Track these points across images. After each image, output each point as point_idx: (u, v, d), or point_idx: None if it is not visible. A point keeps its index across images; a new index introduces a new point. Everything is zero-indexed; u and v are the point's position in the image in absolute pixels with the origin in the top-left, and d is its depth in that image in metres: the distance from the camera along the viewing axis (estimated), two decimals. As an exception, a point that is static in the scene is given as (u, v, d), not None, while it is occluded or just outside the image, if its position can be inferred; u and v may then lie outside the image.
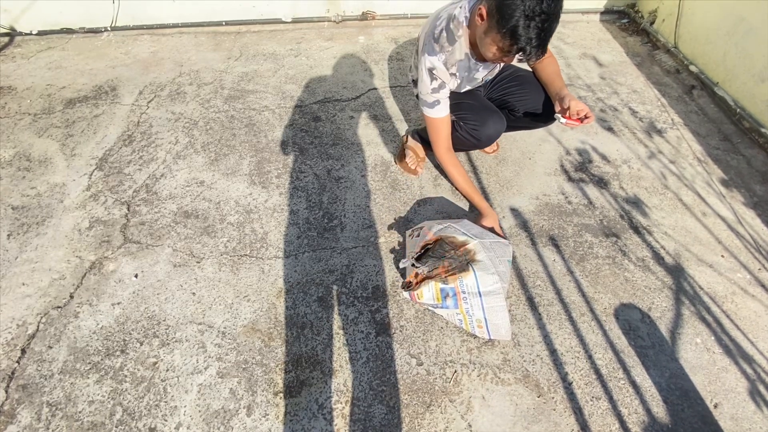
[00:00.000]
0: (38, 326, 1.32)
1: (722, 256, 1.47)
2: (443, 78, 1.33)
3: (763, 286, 1.39)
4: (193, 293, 1.39)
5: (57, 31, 2.84)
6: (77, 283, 1.43)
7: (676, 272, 1.42)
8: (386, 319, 1.31)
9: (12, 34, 2.85)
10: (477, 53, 1.30)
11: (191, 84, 2.36)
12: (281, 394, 1.15)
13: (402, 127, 2.03)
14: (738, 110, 1.98)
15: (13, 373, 1.22)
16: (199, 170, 1.83)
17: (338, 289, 1.39)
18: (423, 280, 1.24)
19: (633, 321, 1.30)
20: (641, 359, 1.21)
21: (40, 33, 2.85)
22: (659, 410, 1.11)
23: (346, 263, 1.47)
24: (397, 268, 1.45)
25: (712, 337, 1.26)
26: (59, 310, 1.36)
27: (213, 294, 1.39)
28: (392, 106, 2.15)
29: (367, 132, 2.00)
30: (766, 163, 1.81)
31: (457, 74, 1.37)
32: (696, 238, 1.53)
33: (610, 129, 2.00)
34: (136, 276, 1.44)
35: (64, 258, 1.51)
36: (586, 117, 1.26)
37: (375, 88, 2.27)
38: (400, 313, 1.33)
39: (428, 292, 1.20)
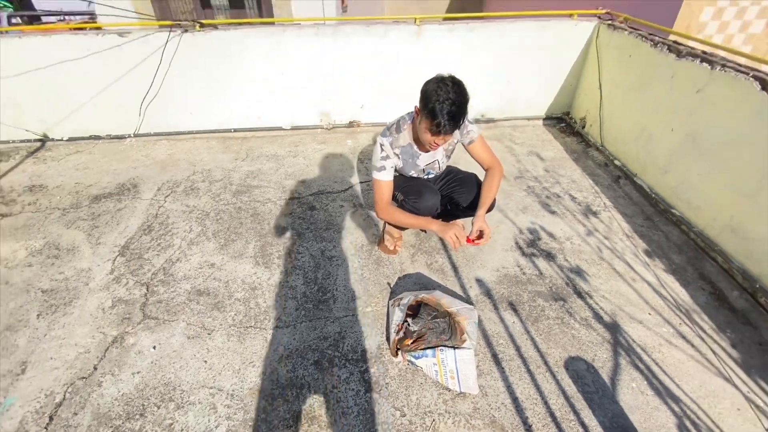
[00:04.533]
0: (65, 395, 1.48)
1: (649, 313, 1.79)
2: (388, 152, 1.77)
3: (684, 338, 1.68)
4: (205, 361, 1.60)
5: (85, 138, 3.31)
6: (101, 356, 1.62)
7: (613, 328, 1.72)
8: (373, 377, 1.53)
9: (44, 140, 3.31)
10: (418, 144, 1.77)
11: (203, 181, 2.76)
12: (283, 447, 1.32)
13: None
14: (653, 195, 2.46)
15: (39, 439, 1.36)
16: (210, 254, 2.13)
17: (331, 354, 1.62)
18: (416, 341, 1.50)
19: (580, 371, 1.55)
20: (588, 403, 1.44)
21: (71, 139, 3.32)
22: (605, 446, 1.32)
23: (339, 330, 1.71)
24: (386, 334, 1.70)
25: (645, 382, 1.51)
26: (84, 380, 1.53)
27: (222, 361, 1.60)
28: (372, 197, 2.56)
29: (355, 218, 2.37)
30: (680, 237, 2.23)
31: (400, 156, 1.82)
32: (628, 300, 1.85)
33: (554, 212, 2.43)
34: (154, 348, 1.65)
35: (89, 334, 1.71)
36: (480, 237, 1.68)
37: (361, 182, 2.71)
38: (386, 372, 1.55)
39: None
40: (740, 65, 1.96)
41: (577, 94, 3.39)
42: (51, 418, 1.41)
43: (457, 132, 1.81)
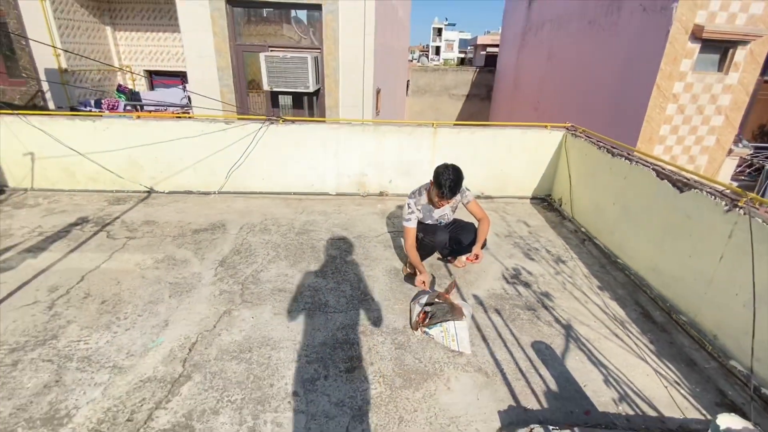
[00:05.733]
0: (197, 339, 2.26)
1: (594, 321, 2.53)
2: (413, 209, 2.73)
3: (616, 336, 2.40)
4: (287, 327, 2.37)
5: (181, 192, 4.41)
6: (217, 320, 2.41)
7: (567, 328, 2.45)
8: (400, 341, 2.28)
9: (150, 191, 4.41)
10: (431, 202, 2.75)
11: (273, 225, 3.73)
12: (344, 371, 2.04)
13: (402, 252, 3.27)
14: (606, 251, 3.31)
15: (185, 360, 2.11)
16: (284, 269, 2.99)
17: (372, 328, 2.38)
18: (427, 324, 2.29)
19: (541, 349, 2.27)
20: (544, 364, 2.15)
21: (170, 192, 4.41)
22: (554, 387, 2.01)
23: (377, 316, 2.49)
24: (409, 319, 2.47)
25: (585, 357, 2.22)
26: (208, 332, 2.31)
27: (298, 328, 2.37)
28: (399, 241, 3.47)
29: (385, 253, 3.26)
30: (624, 278, 3.02)
31: (421, 210, 2.79)
32: (580, 312, 2.61)
33: (533, 259, 3.28)
34: (252, 318, 2.44)
35: (207, 308, 2.52)
36: (476, 258, 2.59)
37: (389, 232, 3.64)
38: (408, 339, 2.30)
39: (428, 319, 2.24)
40: (647, 161, 2.98)
41: (555, 180, 4.45)
42: (190, 350, 2.18)
43: (458, 195, 2.78)
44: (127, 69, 7.61)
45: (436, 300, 2.40)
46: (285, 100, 6.06)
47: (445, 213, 2.90)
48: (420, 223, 2.85)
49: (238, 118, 4.32)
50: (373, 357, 2.16)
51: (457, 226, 2.96)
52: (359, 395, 1.92)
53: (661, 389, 2.04)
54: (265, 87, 5.42)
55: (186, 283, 2.79)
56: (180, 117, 4.78)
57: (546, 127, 4.32)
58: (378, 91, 6.35)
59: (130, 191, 4.40)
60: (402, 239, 3.04)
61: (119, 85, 7.36)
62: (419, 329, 2.30)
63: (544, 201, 4.55)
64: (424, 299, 2.46)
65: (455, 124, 4.32)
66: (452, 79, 16.91)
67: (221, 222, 3.75)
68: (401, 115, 13.28)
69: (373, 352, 2.20)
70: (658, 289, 2.70)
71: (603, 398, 1.97)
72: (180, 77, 7.66)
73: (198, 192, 4.42)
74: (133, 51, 7.75)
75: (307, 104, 6.07)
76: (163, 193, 4.41)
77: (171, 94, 7.15)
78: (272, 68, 5.21)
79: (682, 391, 2.03)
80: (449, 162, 2.65)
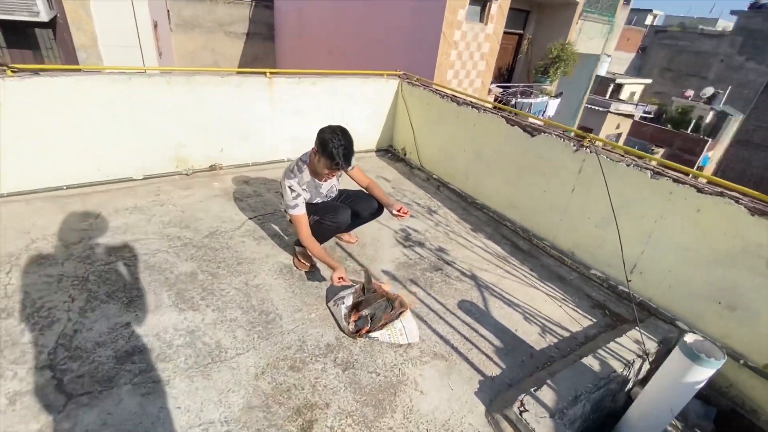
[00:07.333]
0: None
1: (488, 264, 2.75)
2: (298, 191, 2.19)
3: (509, 273, 2.69)
4: (178, 407, 1.57)
5: None
6: (32, 454, 1.36)
7: (474, 278, 2.58)
8: (344, 359, 1.86)
9: None
10: (317, 176, 2.26)
11: (54, 247, 2.35)
12: (299, 434, 1.52)
13: (284, 242, 2.69)
14: (463, 194, 3.62)
15: None
16: (117, 316, 1.94)
17: (300, 356, 1.85)
18: (371, 330, 1.92)
19: (467, 307, 2.31)
20: (479, 323, 2.20)
21: None
22: (498, 343, 2.09)
23: (297, 337, 1.95)
24: (339, 326, 2.04)
25: (502, 302, 2.39)
26: (24, 485, 1.27)
27: (198, 400, 1.60)
28: (270, 228, 2.80)
29: (262, 248, 2.56)
30: (485, 216, 3.39)
31: (307, 189, 2.27)
32: (474, 259, 2.78)
33: (411, 216, 3.26)
34: (104, 419, 1.49)
35: (-6, 441, 1.38)
36: (405, 213, 2.35)
37: (251, 218, 2.88)
38: (351, 352, 1.91)
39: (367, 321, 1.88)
40: (493, 110, 3.27)
41: (395, 131, 4.47)
42: None
43: None
44: None
45: (366, 295, 2.05)
46: (-15, 35, 3.70)
47: (332, 185, 2.43)
48: (309, 205, 2.31)
49: None
50: (324, 394, 1.69)
51: (348, 197, 2.54)
52: (337, 455, 1.48)
53: (558, 309, 2.42)
54: (-63, 9, 3.08)
55: None
56: None
57: (383, 75, 4.17)
58: (155, 26, 4.67)
59: None
60: (278, 228, 2.41)
61: None
62: (363, 336, 1.93)
63: (388, 152, 4.56)
64: (349, 299, 2.06)
65: (293, 73, 3.62)
66: (225, 12, 14.43)
67: (-66, 266, 2.09)
68: (172, 58, 10.71)
69: (319, 387, 1.72)
70: (519, 222, 3.15)
71: (533, 336, 2.18)
72: None
73: None
74: None
75: (36, 43, 3.91)
76: None
77: None
78: (-56, -25, 2.96)
79: (570, 305, 2.47)
80: (333, 125, 2.16)
